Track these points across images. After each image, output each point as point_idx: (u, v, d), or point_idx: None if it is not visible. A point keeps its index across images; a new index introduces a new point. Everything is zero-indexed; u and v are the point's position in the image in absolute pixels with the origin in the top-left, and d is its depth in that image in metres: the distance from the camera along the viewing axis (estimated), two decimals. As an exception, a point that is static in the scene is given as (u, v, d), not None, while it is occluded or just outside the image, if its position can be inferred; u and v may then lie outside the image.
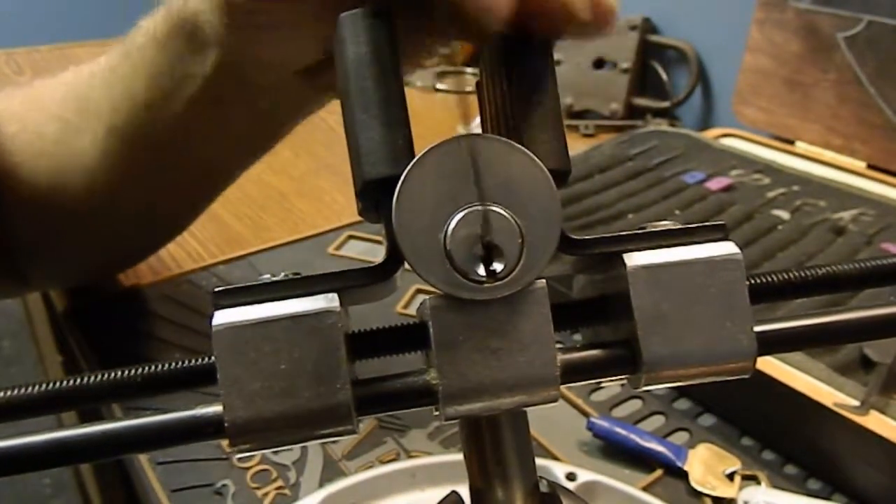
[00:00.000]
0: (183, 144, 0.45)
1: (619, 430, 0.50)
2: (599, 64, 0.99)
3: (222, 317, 0.19)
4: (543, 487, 0.24)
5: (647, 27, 0.98)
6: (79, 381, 0.21)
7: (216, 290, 0.20)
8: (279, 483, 0.45)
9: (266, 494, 0.44)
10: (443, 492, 0.26)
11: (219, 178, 0.50)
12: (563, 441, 0.50)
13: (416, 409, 0.21)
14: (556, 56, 1.24)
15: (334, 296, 0.20)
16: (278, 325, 0.19)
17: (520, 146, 0.21)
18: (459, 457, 0.44)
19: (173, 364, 0.21)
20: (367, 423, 0.48)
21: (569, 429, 0.52)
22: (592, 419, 0.62)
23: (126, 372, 0.21)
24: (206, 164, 0.48)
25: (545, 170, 0.21)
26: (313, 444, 0.47)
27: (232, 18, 0.35)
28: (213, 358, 0.20)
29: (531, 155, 0.21)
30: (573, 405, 0.53)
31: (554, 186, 0.21)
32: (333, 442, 0.47)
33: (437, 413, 0.21)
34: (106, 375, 0.21)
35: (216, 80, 0.40)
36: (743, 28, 0.86)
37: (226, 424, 0.19)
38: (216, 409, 0.20)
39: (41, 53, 1.01)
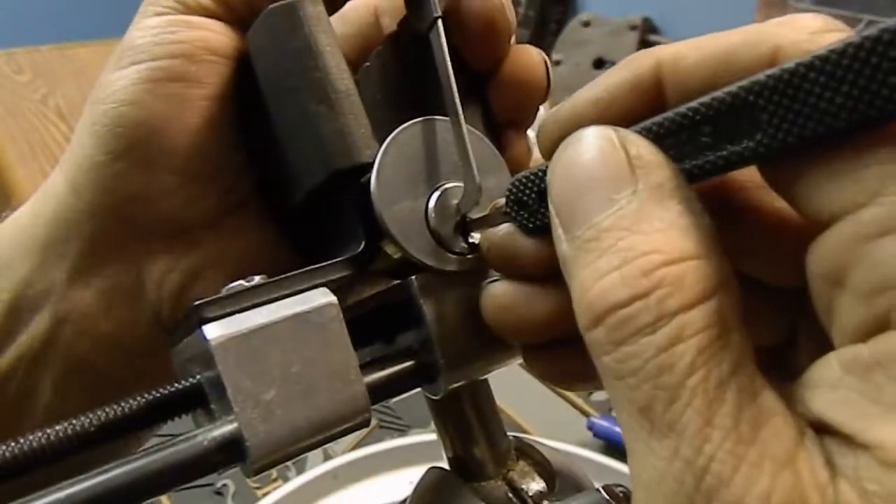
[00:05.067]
0: None
1: (618, 429, 0.50)
2: (599, 64, 0.99)
3: (217, 329, 0.18)
4: (515, 444, 0.24)
5: (647, 27, 0.99)
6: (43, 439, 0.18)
7: (197, 303, 0.18)
8: (279, 483, 0.45)
9: (266, 494, 0.44)
10: (375, 483, 0.24)
11: None
12: (564, 441, 0.50)
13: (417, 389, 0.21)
14: (557, 56, 1.22)
15: (325, 289, 0.19)
16: (282, 328, 0.18)
17: (471, 127, 0.21)
18: (371, 450, 0.43)
19: (150, 395, 0.19)
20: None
21: (569, 429, 0.52)
22: (592, 419, 0.62)
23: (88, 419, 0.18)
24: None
25: (492, 145, 0.22)
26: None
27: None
28: (193, 380, 0.18)
29: (478, 133, 0.22)
30: (573, 405, 0.53)
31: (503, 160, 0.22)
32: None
33: (435, 387, 0.21)
34: (64, 429, 0.18)
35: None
36: (743, 28, 0.86)
37: (247, 444, 0.17)
38: (226, 429, 0.18)
39: (41, 53, 1.00)
